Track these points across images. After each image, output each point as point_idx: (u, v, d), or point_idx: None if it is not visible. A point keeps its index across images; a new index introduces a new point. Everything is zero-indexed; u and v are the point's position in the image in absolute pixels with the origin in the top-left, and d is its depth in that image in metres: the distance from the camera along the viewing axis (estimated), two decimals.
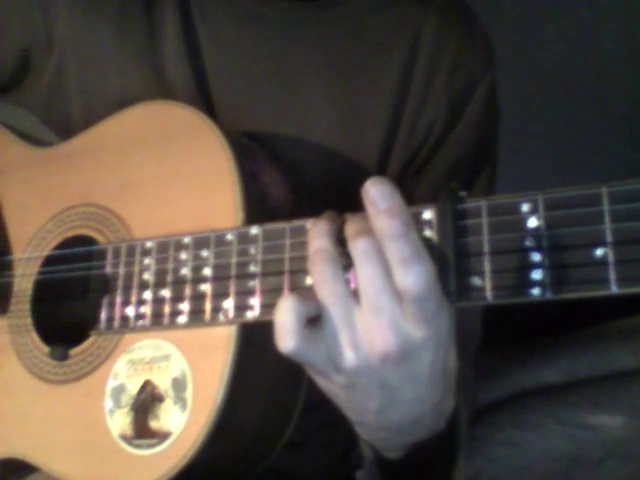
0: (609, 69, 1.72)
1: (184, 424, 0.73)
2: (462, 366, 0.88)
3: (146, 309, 0.77)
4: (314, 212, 0.83)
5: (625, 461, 1.11)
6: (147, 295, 0.78)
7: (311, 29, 0.91)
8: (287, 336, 0.60)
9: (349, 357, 0.62)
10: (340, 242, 0.64)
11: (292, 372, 0.72)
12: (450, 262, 0.60)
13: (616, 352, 1.23)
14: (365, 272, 0.60)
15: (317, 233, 0.63)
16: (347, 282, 0.62)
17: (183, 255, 0.76)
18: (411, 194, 0.94)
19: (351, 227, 0.62)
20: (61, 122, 0.94)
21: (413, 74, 0.92)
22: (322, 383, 0.67)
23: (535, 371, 1.24)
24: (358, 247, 0.60)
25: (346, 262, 0.63)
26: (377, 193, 0.59)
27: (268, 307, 0.70)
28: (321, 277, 0.62)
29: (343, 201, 0.89)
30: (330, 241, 0.63)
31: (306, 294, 0.64)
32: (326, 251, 0.62)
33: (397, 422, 0.68)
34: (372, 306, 0.60)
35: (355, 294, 0.62)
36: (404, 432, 0.71)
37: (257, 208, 0.77)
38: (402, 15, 0.93)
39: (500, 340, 1.18)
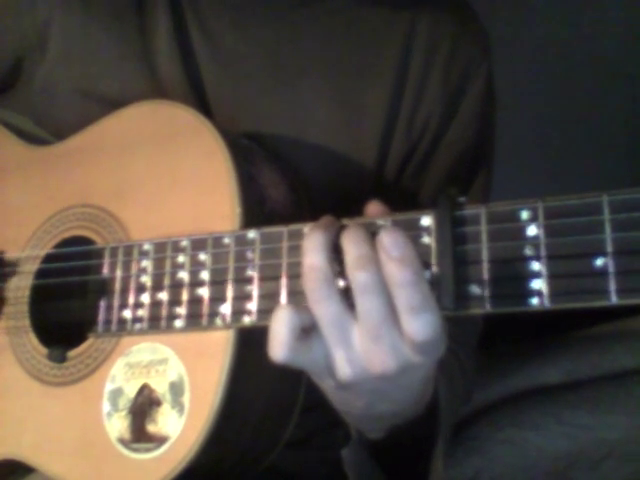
0: (609, 71, 1.70)
1: (182, 429, 0.73)
2: (462, 355, 0.88)
3: (144, 312, 0.77)
4: (313, 212, 0.83)
5: (625, 461, 1.11)
6: (145, 298, 0.77)
7: (305, 26, 0.90)
8: (278, 347, 0.61)
9: (345, 371, 0.63)
10: (335, 248, 0.63)
11: (290, 374, 0.72)
12: (448, 270, 0.60)
13: (616, 352, 1.23)
14: (364, 305, 0.60)
15: (311, 246, 0.62)
16: (343, 291, 0.62)
17: (180, 258, 0.76)
18: (412, 194, 0.93)
19: (350, 250, 0.61)
20: (54, 124, 0.93)
21: (409, 68, 0.91)
22: (313, 378, 0.68)
23: (535, 371, 1.24)
24: (358, 280, 0.60)
25: (340, 268, 0.62)
26: (390, 241, 0.58)
27: (265, 312, 0.69)
28: (314, 297, 0.61)
29: (342, 199, 0.88)
30: (324, 257, 0.61)
31: (303, 300, 0.64)
32: (320, 270, 0.61)
33: (379, 413, 0.71)
34: (371, 333, 0.61)
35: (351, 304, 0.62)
36: (384, 419, 0.73)
37: (255, 210, 0.76)
38: (395, 8, 0.92)
39: (500, 339, 1.17)
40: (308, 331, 0.62)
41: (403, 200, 0.92)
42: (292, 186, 0.84)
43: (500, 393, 1.22)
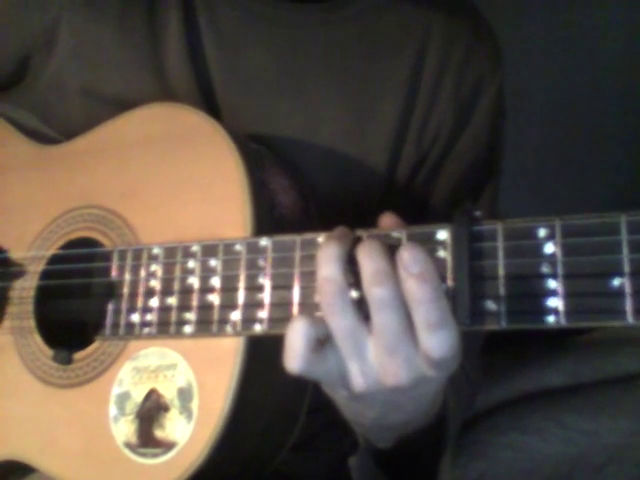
0: (614, 79, 1.69)
1: (189, 435, 0.73)
2: (467, 364, 0.88)
3: (152, 317, 0.76)
4: (322, 218, 0.83)
5: (627, 467, 1.11)
6: (153, 302, 0.77)
7: (318, 32, 0.90)
8: (294, 358, 0.61)
9: (359, 383, 0.63)
10: (350, 259, 0.63)
11: (298, 381, 0.72)
12: (464, 285, 0.60)
13: (620, 356, 1.23)
14: (381, 319, 0.60)
15: (326, 258, 0.62)
16: (358, 302, 0.62)
17: (191, 263, 0.75)
18: (421, 203, 0.93)
19: (366, 264, 0.61)
20: (61, 123, 0.93)
21: (422, 75, 0.91)
22: (325, 389, 0.68)
23: (537, 374, 1.24)
24: (375, 295, 0.60)
25: (354, 279, 0.62)
26: (409, 257, 0.58)
27: (277, 321, 0.69)
28: (329, 309, 0.61)
29: (351, 206, 0.88)
30: (339, 268, 0.61)
31: (315, 310, 0.65)
32: (335, 282, 0.61)
33: (390, 423, 0.71)
34: (386, 347, 0.61)
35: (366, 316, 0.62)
36: (395, 429, 0.73)
37: (266, 217, 0.76)
38: (409, 16, 0.92)
39: (502, 342, 1.17)
40: (322, 342, 0.62)
41: (412, 208, 0.91)
42: (301, 192, 0.83)
43: (502, 396, 1.22)
